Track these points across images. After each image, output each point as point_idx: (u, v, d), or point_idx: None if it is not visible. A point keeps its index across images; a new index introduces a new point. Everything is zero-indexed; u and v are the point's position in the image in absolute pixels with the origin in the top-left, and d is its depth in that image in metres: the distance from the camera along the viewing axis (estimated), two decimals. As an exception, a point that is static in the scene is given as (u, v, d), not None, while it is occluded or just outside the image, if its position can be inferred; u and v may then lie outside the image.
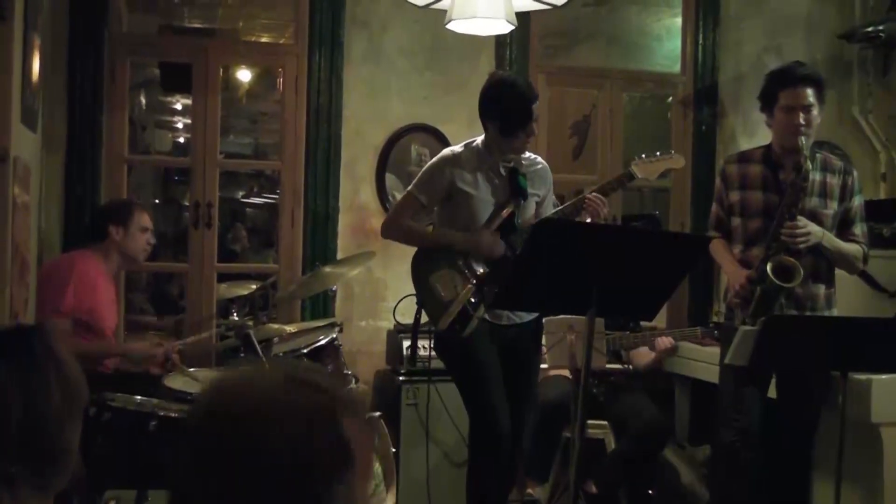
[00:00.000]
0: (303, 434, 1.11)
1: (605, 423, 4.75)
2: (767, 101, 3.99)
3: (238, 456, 1.10)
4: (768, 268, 3.78)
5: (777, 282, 3.75)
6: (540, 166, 4.04)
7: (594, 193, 3.86)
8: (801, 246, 3.79)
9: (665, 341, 4.74)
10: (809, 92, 3.88)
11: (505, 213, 3.88)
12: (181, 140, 10.10)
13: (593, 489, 4.67)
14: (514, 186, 3.90)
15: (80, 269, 3.98)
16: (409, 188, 3.99)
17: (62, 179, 4.80)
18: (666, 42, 6.77)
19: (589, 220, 3.81)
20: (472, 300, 3.80)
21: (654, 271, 3.05)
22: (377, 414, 4.14)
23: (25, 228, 3.17)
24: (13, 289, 2.89)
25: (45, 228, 4.49)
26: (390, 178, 5.31)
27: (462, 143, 4.00)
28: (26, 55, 3.12)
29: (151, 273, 6.99)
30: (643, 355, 4.87)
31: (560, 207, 4.02)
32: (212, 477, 1.11)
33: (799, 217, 3.80)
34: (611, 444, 4.76)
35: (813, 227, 3.81)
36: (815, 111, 3.89)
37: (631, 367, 4.82)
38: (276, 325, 4.28)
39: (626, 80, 5.97)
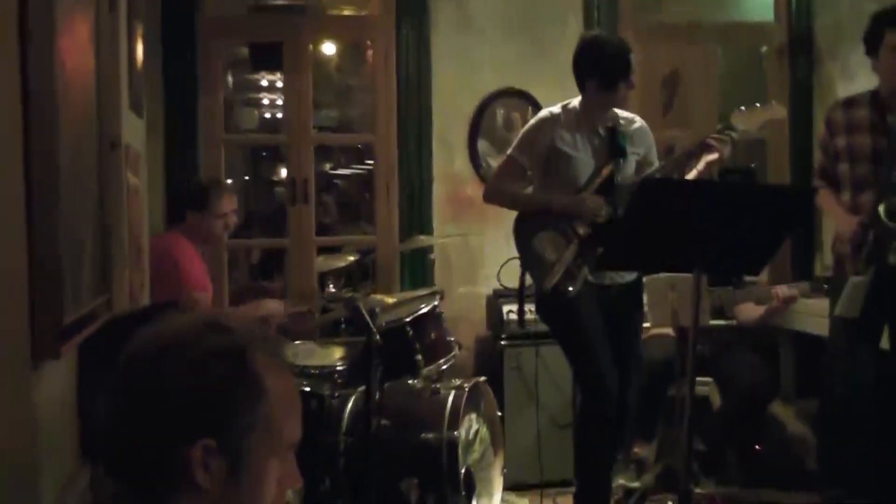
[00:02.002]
0: (206, 368, 1.24)
1: (709, 380, 4.72)
2: (873, 43, 3.91)
3: (151, 394, 1.24)
4: (881, 209, 3.71)
5: (891, 224, 3.67)
6: (638, 125, 4.01)
7: (714, 137, 3.77)
8: None
9: (785, 290, 4.63)
10: None
11: (605, 172, 3.87)
12: (267, 116, 10.22)
13: (700, 446, 4.65)
14: (613, 145, 3.88)
15: (181, 251, 4.11)
16: (510, 151, 4.00)
17: (163, 162, 4.92)
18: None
19: (711, 159, 3.73)
20: (577, 261, 3.80)
21: (758, 226, 3.01)
22: (482, 379, 4.17)
23: (139, 212, 3.26)
24: (132, 271, 2.99)
25: (150, 211, 4.61)
26: (483, 145, 5.31)
27: (559, 105, 3.98)
28: (130, 42, 3.19)
29: (248, 250, 7.14)
30: (748, 310, 4.80)
31: (665, 162, 3.96)
32: (127, 406, 1.26)
33: None
34: (716, 401, 4.73)
35: None
36: None
37: (735, 322, 4.76)
38: (378, 296, 4.33)
39: (718, 31, 5.86)
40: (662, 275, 4.26)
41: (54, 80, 1.97)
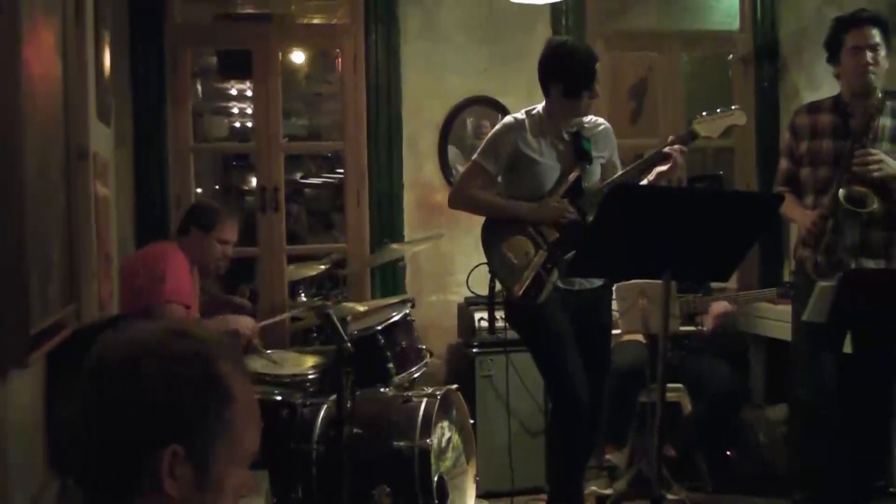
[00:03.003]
0: (175, 374, 1.25)
1: (680, 385, 4.75)
2: (834, 47, 3.98)
3: (118, 400, 1.25)
4: (841, 195, 3.76)
5: (850, 207, 3.73)
6: (602, 127, 4.02)
7: (675, 146, 3.79)
8: (875, 174, 3.77)
9: (719, 307, 4.70)
10: (875, 32, 3.89)
11: (571, 177, 3.88)
12: (237, 125, 10.18)
13: (671, 452, 4.68)
14: (578, 150, 3.90)
15: (173, 261, 4.04)
16: (475, 157, 4.00)
17: (132, 172, 4.89)
18: (723, -1, 6.68)
19: (662, 170, 3.75)
20: (545, 266, 3.81)
21: (726, 232, 3.04)
22: (454, 387, 4.17)
23: (107, 222, 3.24)
24: (100, 281, 2.96)
25: (119, 221, 4.57)
26: (452, 152, 5.33)
27: (523, 111, 4.00)
28: (97, 51, 3.17)
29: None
30: (708, 316, 4.84)
31: (630, 167, 3.99)
32: (98, 420, 1.26)
33: (871, 148, 3.78)
34: (687, 406, 4.76)
35: (886, 157, 3.78)
36: (882, 52, 3.89)
37: (704, 328, 4.80)
38: (349, 304, 4.33)
39: (684, 40, 5.91)
40: (633, 281, 4.29)
41: (19, 89, 1.95)
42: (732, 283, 5.35)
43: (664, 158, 3.74)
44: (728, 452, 4.93)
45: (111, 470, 1.26)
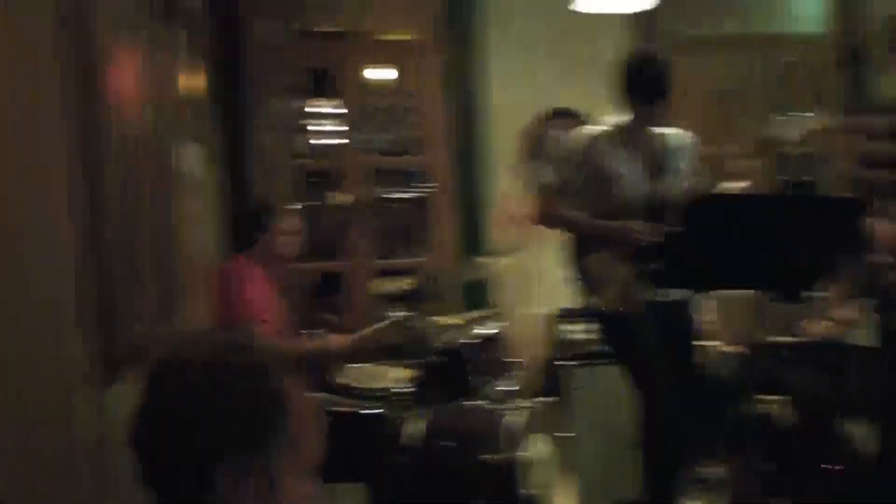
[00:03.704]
0: (237, 390, 1.26)
1: (777, 398, 4.63)
2: None
3: (181, 413, 1.25)
4: None
5: None
6: (683, 139, 3.96)
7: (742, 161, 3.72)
8: None
9: (847, 312, 4.54)
10: None
11: (653, 189, 3.82)
12: (320, 142, 10.27)
13: (768, 466, 4.55)
14: (660, 162, 3.84)
15: (243, 281, 4.07)
16: (557, 172, 3.97)
17: (218, 190, 4.97)
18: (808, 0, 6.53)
19: (739, 186, 3.69)
20: (630, 279, 3.75)
21: (818, 239, 2.95)
22: (545, 400, 4.13)
23: (197, 240, 3.29)
24: (191, 298, 3.01)
25: (207, 237, 4.64)
26: (535, 166, 5.30)
27: (604, 123, 3.96)
28: (188, 72, 3.23)
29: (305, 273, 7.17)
30: (815, 326, 4.70)
31: (703, 181, 3.91)
32: (161, 433, 1.26)
33: None
34: (785, 419, 4.63)
35: None
36: None
37: (801, 338, 4.66)
38: (436, 318, 4.32)
39: (767, 44, 5.78)
40: (728, 291, 4.20)
41: (108, 113, 1.99)
42: (829, 292, 5.19)
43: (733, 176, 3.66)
44: (826, 465, 4.77)
45: (177, 486, 1.27)
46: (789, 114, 3.74)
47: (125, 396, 2.17)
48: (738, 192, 3.63)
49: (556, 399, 4.25)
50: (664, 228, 3.74)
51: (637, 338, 3.78)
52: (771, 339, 4.36)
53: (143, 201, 2.40)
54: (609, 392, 4.44)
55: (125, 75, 2.27)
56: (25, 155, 1.94)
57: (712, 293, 4.24)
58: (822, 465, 4.70)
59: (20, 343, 1.91)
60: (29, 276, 1.91)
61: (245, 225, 4.30)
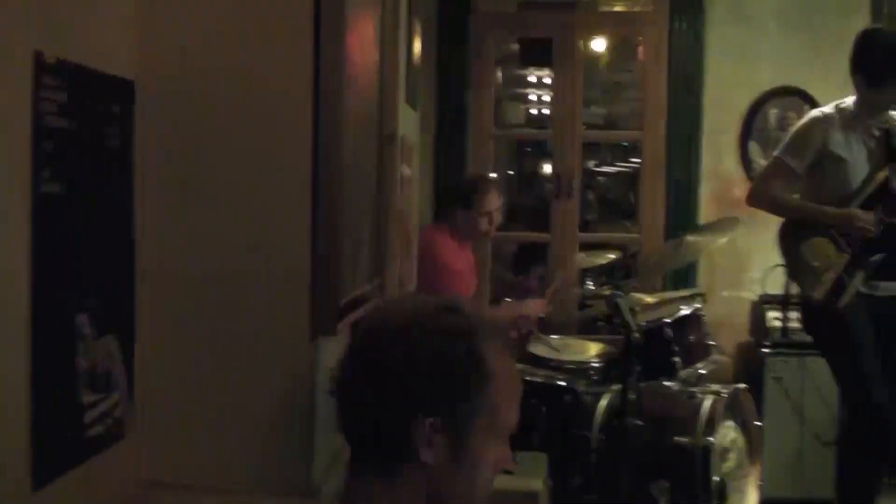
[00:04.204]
0: (442, 350, 1.28)
1: None
2: None
3: (385, 366, 1.29)
4: None
5: None
6: None
7: None
8: None
9: None
10: None
11: (879, 177, 3.65)
12: (534, 112, 10.30)
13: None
14: (888, 149, 3.66)
15: (440, 253, 4.20)
16: (777, 153, 3.85)
17: (433, 155, 5.10)
18: None
19: None
20: (848, 269, 3.61)
21: None
22: (742, 386, 4.05)
23: (410, 203, 3.40)
24: (401, 260, 3.12)
25: (420, 203, 4.78)
26: (753, 146, 5.15)
27: (832, 105, 3.80)
28: (409, 39, 3.33)
29: (512, 242, 7.26)
30: None
31: None
32: (365, 383, 1.31)
33: None
34: None
35: None
36: None
37: None
38: (639, 295, 4.30)
39: None
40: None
41: (344, 77, 2.10)
42: None
43: None
44: None
45: (373, 437, 1.32)
46: None
47: (338, 349, 2.31)
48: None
49: (750, 387, 4.15)
50: (890, 219, 3.58)
51: (848, 332, 3.64)
52: None
53: (365, 163, 2.51)
54: (810, 385, 4.31)
55: (360, 43, 2.38)
56: (270, 115, 2.06)
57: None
58: None
59: (254, 294, 2.05)
60: (266, 231, 2.05)
61: (449, 198, 4.44)
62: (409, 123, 3.45)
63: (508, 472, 3.03)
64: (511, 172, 10.38)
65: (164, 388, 2.04)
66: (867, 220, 3.59)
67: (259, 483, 2.01)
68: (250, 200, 2.04)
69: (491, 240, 4.66)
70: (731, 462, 3.96)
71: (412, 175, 3.48)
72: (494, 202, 4.39)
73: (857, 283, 3.60)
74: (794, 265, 3.77)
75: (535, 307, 4.37)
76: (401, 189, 3.13)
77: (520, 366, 4.00)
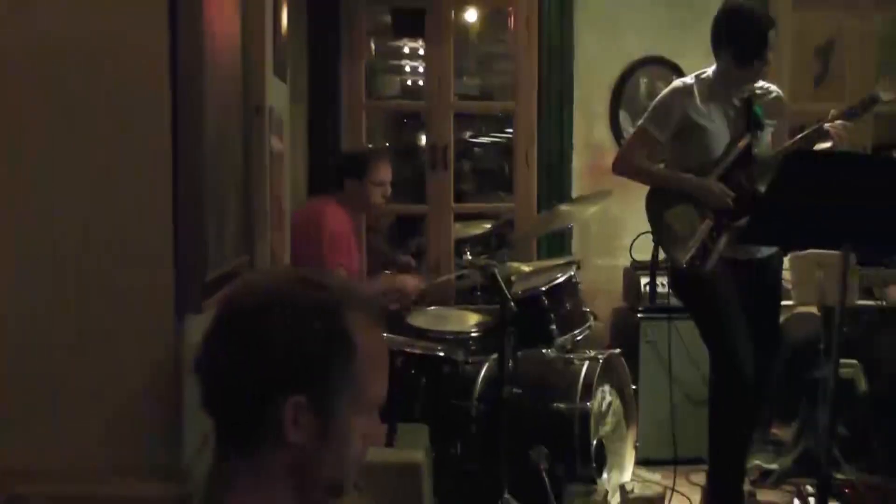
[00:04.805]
0: (302, 325, 1.25)
1: (854, 362, 4.54)
2: None
3: (246, 346, 1.26)
4: None
5: None
6: (774, 94, 3.88)
7: (837, 122, 3.61)
8: None
9: None
10: None
11: (741, 144, 3.75)
12: (409, 83, 10.26)
13: (843, 431, 4.49)
14: (749, 117, 3.76)
15: (331, 223, 4.15)
16: (641, 123, 3.92)
17: (305, 128, 5.02)
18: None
19: (822, 147, 3.58)
20: (712, 234, 3.71)
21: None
22: (617, 351, 4.13)
23: (281, 176, 3.33)
24: (273, 234, 3.06)
25: (292, 176, 4.70)
26: (624, 115, 5.23)
27: (693, 75, 3.89)
28: (276, 9, 3.25)
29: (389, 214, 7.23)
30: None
31: (797, 137, 3.82)
32: (224, 357, 1.28)
33: None
34: (862, 384, 4.55)
35: None
36: None
37: (886, 303, 4.57)
38: (515, 264, 4.33)
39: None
40: (809, 251, 4.12)
41: (202, 45, 2.02)
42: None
43: (824, 135, 3.55)
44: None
45: (237, 416, 1.29)
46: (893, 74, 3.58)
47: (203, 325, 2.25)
48: (831, 151, 3.52)
49: (625, 351, 4.24)
50: (751, 186, 3.68)
51: (713, 295, 3.74)
52: (854, 302, 4.27)
53: (230, 135, 2.45)
54: (681, 347, 4.42)
55: (220, 11, 2.30)
56: (125, 88, 1.98)
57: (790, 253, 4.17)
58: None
59: (115, 273, 1.98)
60: (125, 207, 1.97)
61: (339, 169, 4.37)
62: (279, 95, 3.37)
63: (390, 445, 3.05)
64: (388, 143, 10.35)
65: (19, 371, 1.95)
66: (721, 190, 3.68)
67: (125, 468, 1.94)
68: (107, 173, 1.95)
69: (380, 213, 4.60)
70: (608, 426, 4.05)
71: (283, 148, 3.41)
72: (387, 173, 4.36)
73: (721, 248, 3.69)
74: (661, 232, 3.85)
75: (412, 282, 4.36)
76: (270, 162, 3.06)
77: (399, 338, 3.99)
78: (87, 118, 1.96)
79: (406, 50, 9.62)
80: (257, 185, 2.76)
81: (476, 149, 10.30)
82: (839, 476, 4.20)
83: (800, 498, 4.09)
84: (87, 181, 1.95)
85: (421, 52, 8.79)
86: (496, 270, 3.61)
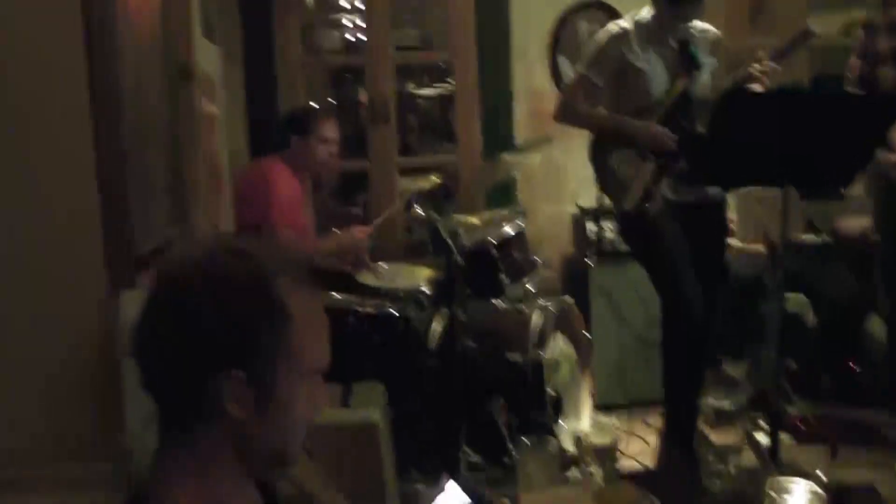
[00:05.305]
0: (230, 299, 1.23)
1: (801, 296, 4.59)
2: None
3: (177, 323, 1.23)
4: None
5: None
6: (712, 34, 3.86)
7: (763, 62, 3.59)
8: None
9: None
10: None
11: (679, 85, 3.74)
12: (349, 37, 10.11)
13: (793, 366, 4.54)
14: (686, 58, 3.74)
15: (275, 182, 4.05)
16: (578, 68, 3.89)
17: (242, 87, 4.92)
18: None
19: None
20: (655, 178, 3.71)
21: (849, 137, 2.89)
22: (568, 298, 4.13)
23: (215, 140, 3.26)
24: (210, 198, 3.00)
25: (233, 138, 4.61)
26: (563, 60, 5.20)
27: (628, 17, 3.85)
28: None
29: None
30: (849, 224, 4.62)
31: (728, 80, 3.79)
32: (156, 338, 1.25)
33: None
34: (809, 318, 4.60)
35: None
36: None
37: (830, 237, 4.60)
38: (461, 217, 4.29)
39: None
40: (751, 188, 4.14)
41: (115, 6, 1.95)
42: (859, 191, 5.10)
43: (750, 79, 3.53)
44: (852, 365, 4.76)
45: (175, 396, 1.26)
46: (828, 8, 3.58)
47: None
48: (767, 89, 3.51)
49: (576, 298, 4.24)
50: (691, 126, 3.68)
51: (659, 238, 3.75)
52: (798, 237, 4.31)
53: (154, 101, 2.38)
54: (631, 291, 4.43)
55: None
56: (43, 59, 1.91)
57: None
58: (846, 364, 4.70)
59: (43, 251, 1.92)
60: (49, 185, 1.91)
61: (282, 128, 4.27)
62: (209, 57, 3.30)
63: (346, 406, 3.02)
64: (330, 100, 10.21)
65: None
66: (663, 133, 3.67)
67: (66, 452, 1.90)
68: (24, 149, 1.88)
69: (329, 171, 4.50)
70: (563, 373, 4.06)
71: (216, 111, 3.33)
72: (332, 130, 4.26)
73: (664, 190, 3.69)
74: (604, 177, 3.83)
75: (357, 234, 4.30)
76: (204, 126, 2.99)
77: (350, 297, 3.95)
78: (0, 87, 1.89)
79: (344, 3, 9.47)
80: (188, 153, 2.69)
81: (419, 101, 10.21)
82: (791, 410, 4.26)
83: (751, 436, 4.14)
84: (4, 156, 1.89)
85: (358, 4, 8.68)
86: (439, 224, 3.58)
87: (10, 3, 1.88)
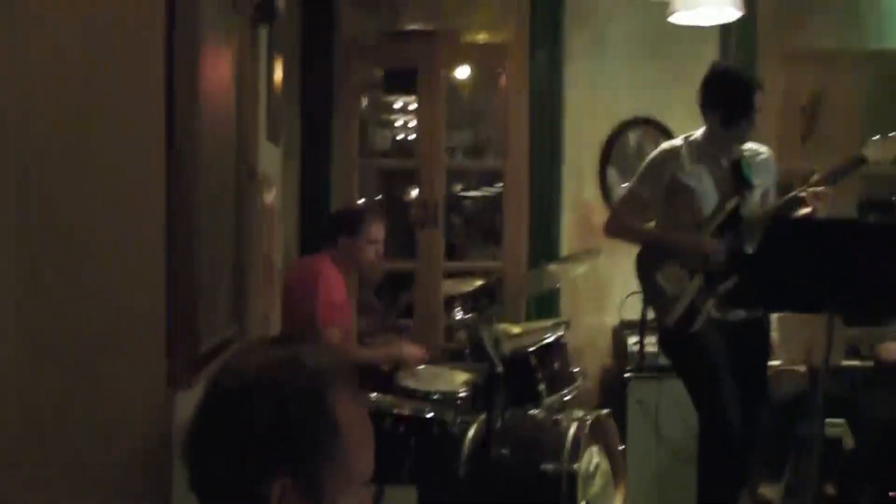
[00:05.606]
0: (284, 408, 1.25)
1: (842, 421, 4.55)
2: None
3: (230, 431, 1.26)
4: None
5: None
6: (764, 155, 3.93)
7: (814, 188, 3.62)
8: None
9: None
10: None
11: (729, 205, 3.79)
12: (400, 138, 10.30)
13: (831, 490, 4.49)
14: (738, 178, 3.80)
15: (325, 283, 4.10)
16: (630, 184, 3.97)
17: (298, 184, 5.04)
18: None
19: (801, 214, 3.60)
20: (700, 295, 3.74)
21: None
22: (605, 411, 4.13)
23: (272, 232, 3.35)
24: (263, 290, 3.07)
25: (285, 232, 4.70)
26: (612, 173, 5.28)
27: (681, 137, 3.94)
28: (269, 74, 3.29)
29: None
30: (890, 349, 4.61)
31: (778, 203, 3.83)
32: (208, 443, 1.28)
33: None
34: (849, 443, 4.55)
35: None
36: None
37: (874, 363, 4.58)
38: (503, 325, 4.33)
39: (863, 58, 5.65)
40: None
41: (198, 114, 2.04)
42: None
43: (800, 203, 3.58)
44: (893, 493, 4.68)
45: (223, 498, 1.28)
46: (880, 135, 3.59)
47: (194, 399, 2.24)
48: (817, 218, 3.54)
49: (613, 411, 4.23)
50: (739, 246, 3.71)
51: (702, 355, 3.76)
52: (839, 362, 4.30)
53: (224, 201, 2.46)
54: (669, 406, 4.42)
55: (215, 78, 2.32)
56: (122, 154, 1.97)
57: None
58: (890, 493, 4.62)
59: (107, 351, 1.95)
60: (119, 281, 1.95)
61: (333, 226, 4.34)
62: (270, 159, 3.41)
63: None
64: (379, 197, 10.35)
65: (7, 447, 1.93)
66: (715, 247, 3.72)
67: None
68: (100, 242, 1.94)
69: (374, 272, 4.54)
70: (596, 486, 4.02)
71: (272, 203, 3.42)
72: (380, 231, 4.32)
73: (709, 309, 3.72)
74: (650, 291, 3.87)
75: (417, 352, 4.34)
76: (262, 218, 3.07)
77: (387, 398, 3.97)
78: (81, 184, 1.94)
79: (398, 105, 9.68)
80: (251, 253, 2.77)
81: (467, 202, 10.32)
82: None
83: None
84: (77, 247, 1.93)
85: (412, 107, 8.86)
86: (483, 333, 3.62)
87: (93, 107, 1.96)
